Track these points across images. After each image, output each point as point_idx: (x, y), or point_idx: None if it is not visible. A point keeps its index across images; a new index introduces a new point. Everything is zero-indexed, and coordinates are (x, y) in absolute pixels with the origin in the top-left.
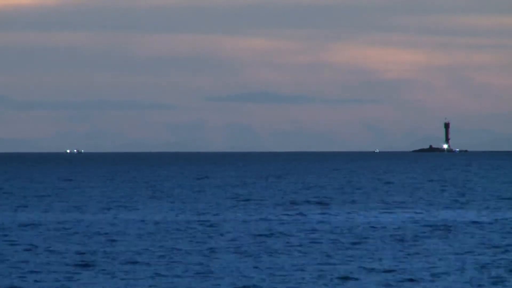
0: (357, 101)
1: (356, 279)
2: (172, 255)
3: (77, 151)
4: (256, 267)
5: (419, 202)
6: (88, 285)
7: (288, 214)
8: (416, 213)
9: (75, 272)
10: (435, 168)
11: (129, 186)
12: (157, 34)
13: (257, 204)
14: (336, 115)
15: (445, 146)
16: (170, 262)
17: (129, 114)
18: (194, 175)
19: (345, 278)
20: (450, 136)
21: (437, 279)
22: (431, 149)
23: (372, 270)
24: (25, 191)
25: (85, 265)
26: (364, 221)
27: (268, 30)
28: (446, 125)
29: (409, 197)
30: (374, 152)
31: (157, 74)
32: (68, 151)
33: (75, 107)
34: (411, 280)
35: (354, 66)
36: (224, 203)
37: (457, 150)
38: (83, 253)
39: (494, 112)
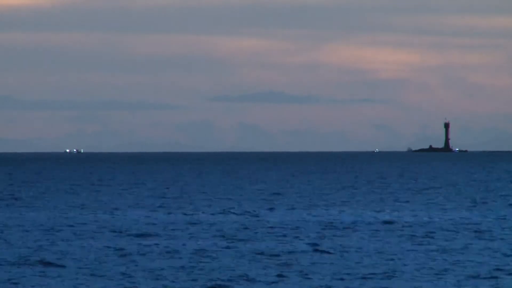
0: (363, 101)
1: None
2: None
3: (77, 151)
4: None
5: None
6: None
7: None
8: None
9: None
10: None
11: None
12: (159, 35)
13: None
14: (338, 115)
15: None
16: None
17: (136, 114)
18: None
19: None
20: (450, 136)
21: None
22: (431, 149)
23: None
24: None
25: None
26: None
27: (269, 30)
28: (446, 125)
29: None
30: (374, 152)
31: (162, 74)
32: (67, 150)
33: (78, 107)
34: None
35: (353, 66)
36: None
37: (457, 150)
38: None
39: (493, 112)
